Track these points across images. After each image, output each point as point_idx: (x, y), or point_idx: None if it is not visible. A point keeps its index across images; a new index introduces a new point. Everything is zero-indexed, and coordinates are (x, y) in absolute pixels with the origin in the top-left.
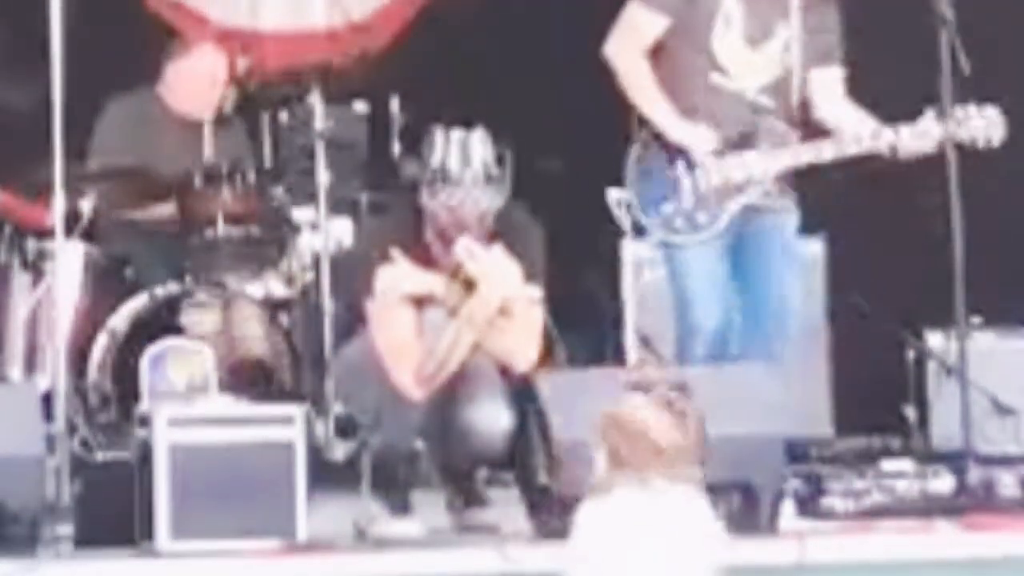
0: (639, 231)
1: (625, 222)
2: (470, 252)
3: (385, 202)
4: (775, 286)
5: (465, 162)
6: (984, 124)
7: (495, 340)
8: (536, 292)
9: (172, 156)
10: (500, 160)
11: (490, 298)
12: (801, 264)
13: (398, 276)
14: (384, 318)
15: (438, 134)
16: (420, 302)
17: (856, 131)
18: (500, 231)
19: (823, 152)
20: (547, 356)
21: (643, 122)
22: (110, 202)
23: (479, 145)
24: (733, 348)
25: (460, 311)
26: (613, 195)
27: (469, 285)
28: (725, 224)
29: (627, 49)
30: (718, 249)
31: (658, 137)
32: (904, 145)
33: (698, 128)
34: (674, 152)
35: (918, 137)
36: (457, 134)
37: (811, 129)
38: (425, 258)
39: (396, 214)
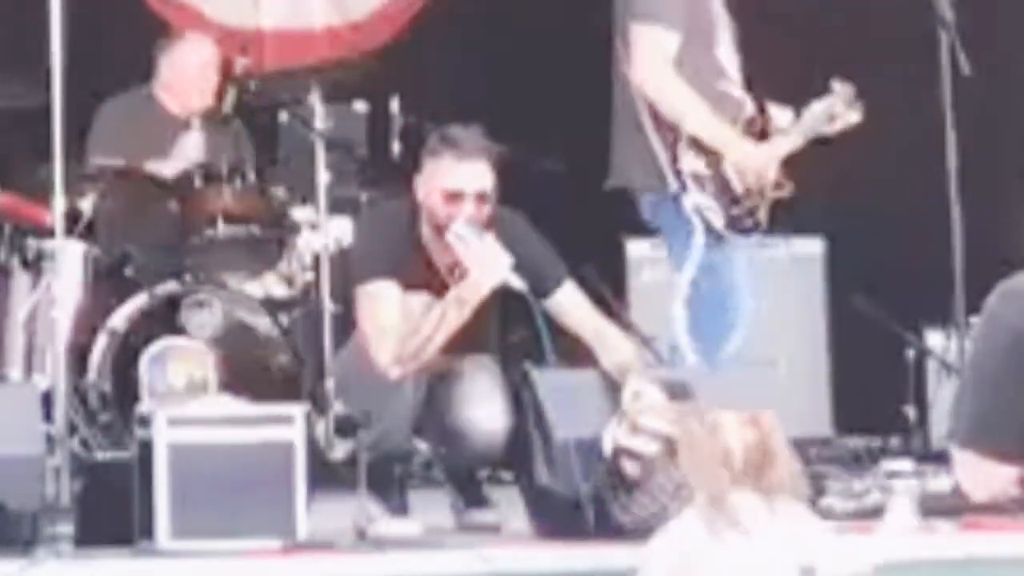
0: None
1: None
2: (460, 237)
3: (382, 201)
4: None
5: (459, 149)
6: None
7: None
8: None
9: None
10: (491, 149)
11: (480, 283)
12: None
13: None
14: (369, 305)
15: (434, 134)
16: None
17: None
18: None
19: None
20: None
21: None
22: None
23: (473, 135)
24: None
25: (448, 293)
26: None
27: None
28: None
29: (659, 67)
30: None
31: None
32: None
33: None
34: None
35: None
36: (453, 129)
37: None
38: (423, 260)
39: (392, 213)
